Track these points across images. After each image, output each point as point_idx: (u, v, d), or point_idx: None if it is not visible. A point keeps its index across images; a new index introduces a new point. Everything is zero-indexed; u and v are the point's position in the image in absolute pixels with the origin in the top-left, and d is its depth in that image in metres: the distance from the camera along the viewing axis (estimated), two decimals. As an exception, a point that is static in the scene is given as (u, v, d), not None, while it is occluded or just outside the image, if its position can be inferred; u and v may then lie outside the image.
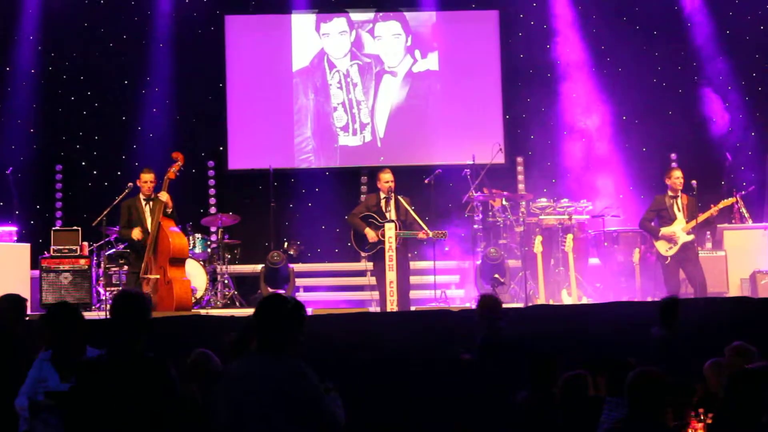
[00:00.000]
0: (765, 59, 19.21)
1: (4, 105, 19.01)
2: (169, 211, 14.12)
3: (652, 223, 15.28)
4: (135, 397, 5.98)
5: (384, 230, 14.42)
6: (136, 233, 14.10)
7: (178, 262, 14.06)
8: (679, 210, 15.08)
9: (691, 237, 15.00)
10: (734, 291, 16.13)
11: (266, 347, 5.87)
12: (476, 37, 19.89)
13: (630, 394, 6.36)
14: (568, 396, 7.71)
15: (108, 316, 7.18)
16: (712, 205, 15.34)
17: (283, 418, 5.67)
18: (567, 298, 15.21)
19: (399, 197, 14.80)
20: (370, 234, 14.61)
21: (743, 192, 16.72)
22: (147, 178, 14.35)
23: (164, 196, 14.09)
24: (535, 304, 14.71)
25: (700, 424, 7.46)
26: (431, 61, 19.83)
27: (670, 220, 15.08)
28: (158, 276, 13.80)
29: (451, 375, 9.88)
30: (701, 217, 15.04)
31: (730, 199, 15.80)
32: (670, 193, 15.19)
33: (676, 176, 15.19)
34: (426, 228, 14.59)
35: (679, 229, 14.96)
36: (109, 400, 5.99)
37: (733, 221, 16.86)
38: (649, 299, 15.10)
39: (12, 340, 8.59)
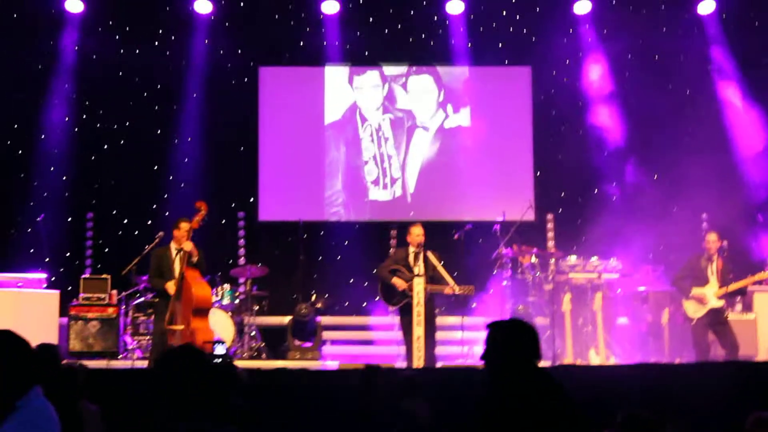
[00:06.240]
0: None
1: (37, 152, 19.13)
2: (195, 260, 14.03)
3: (685, 282, 15.18)
4: None
5: (413, 284, 14.38)
6: (171, 287, 14.01)
7: (202, 312, 13.97)
8: (712, 273, 14.98)
9: (721, 303, 14.89)
10: (764, 355, 16.00)
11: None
12: (508, 93, 19.94)
13: None
14: None
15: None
16: (749, 275, 15.25)
17: None
18: (595, 358, 15.10)
19: (428, 252, 14.76)
20: (399, 282, 14.53)
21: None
22: (186, 227, 14.20)
23: (188, 245, 14.02)
24: (562, 363, 14.61)
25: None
26: (463, 117, 19.87)
27: (703, 282, 14.99)
28: (183, 326, 13.75)
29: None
30: (733, 286, 14.95)
31: (767, 272, 15.68)
32: (705, 255, 15.10)
33: (712, 239, 15.11)
34: (453, 283, 14.52)
35: (711, 293, 14.85)
36: None
37: (764, 284, 16.73)
38: (678, 361, 15.01)
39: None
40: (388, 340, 17.27)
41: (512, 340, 5.71)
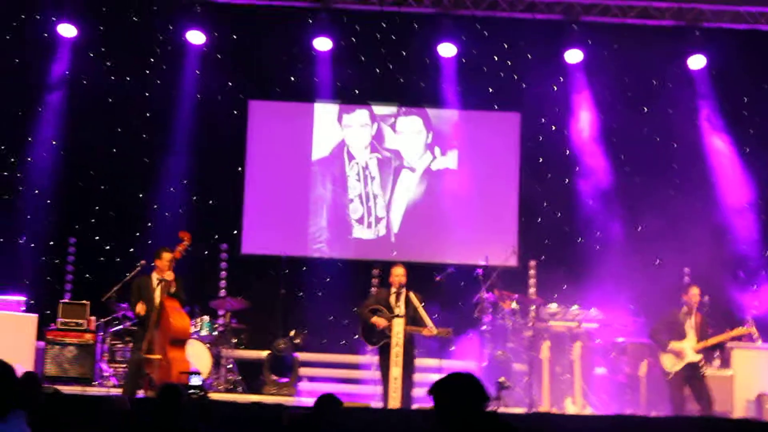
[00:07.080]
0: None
1: (22, 174, 19.07)
2: (173, 290, 14.00)
3: (663, 336, 15.13)
4: None
5: (392, 324, 14.33)
6: (140, 307, 13.98)
7: (179, 342, 13.93)
8: (691, 328, 14.97)
9: (698, 357, 14.87)
10: (739, 412, 15.96)
11: None
12: (497, 138, 19.94)
13: None
14: None
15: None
16: (727, 330, 15.26)
17: None
18: (571, 407, 15.08)
19: (410, 293, 14.71)
20: (378, 321, 14.43)
21: (754, 312, 16.65)
22: (168, 257, 14.14)
23: (169, 275, 13.99)
24: (538, 411, 14.57)
25: None
26: (450, 159, 19.89)
27: (681, 336, 14.96)
28: (160, 356, 13.68)
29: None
30: (712, 341, 14.96)
31: (745, 328, 15.64)
32: (684, 309, 15.09)
33: (693, 293, 15.10)
34: (431, 325, 14.44)
35: (689, 347, 14.83)
36: None
37: (743, 340, 16.70)
38: (653, 414, 14.98)
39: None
40: (366, 379, 17.21)
41: (461, 392, 5.60)
